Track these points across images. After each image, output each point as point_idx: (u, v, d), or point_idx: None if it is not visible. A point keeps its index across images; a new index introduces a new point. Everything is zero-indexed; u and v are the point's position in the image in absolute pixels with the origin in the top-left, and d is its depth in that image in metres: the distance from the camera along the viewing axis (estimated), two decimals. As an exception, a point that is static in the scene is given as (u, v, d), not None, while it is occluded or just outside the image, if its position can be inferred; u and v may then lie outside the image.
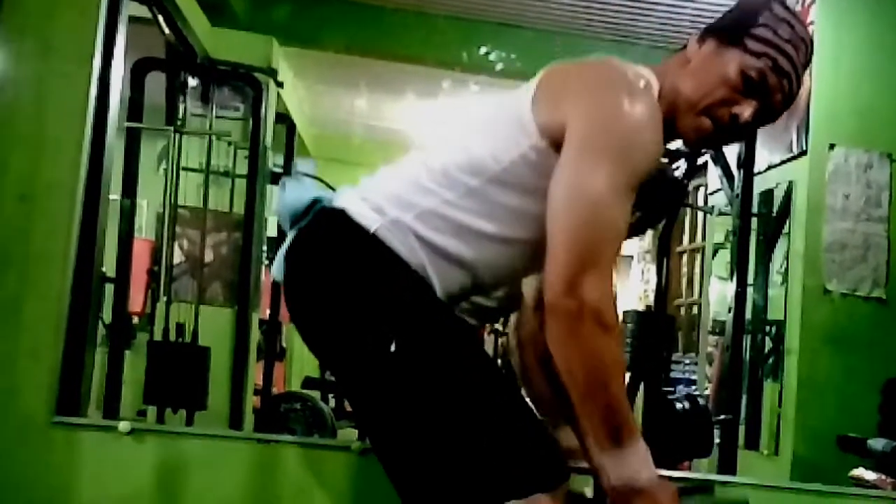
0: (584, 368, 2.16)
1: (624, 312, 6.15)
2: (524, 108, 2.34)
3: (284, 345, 7.58)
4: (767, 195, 5.77)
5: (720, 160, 5.49)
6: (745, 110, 2.38)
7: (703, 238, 7.34)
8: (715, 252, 6.62)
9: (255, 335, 6.75)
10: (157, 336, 5.99)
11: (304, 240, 2.43)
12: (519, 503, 2.15)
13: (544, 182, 2.27)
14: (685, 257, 9.26)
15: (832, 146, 5.40)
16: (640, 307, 8.71)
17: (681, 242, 9.35)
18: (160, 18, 5.48)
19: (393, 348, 2.21)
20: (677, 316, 8.98)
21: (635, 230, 2.54)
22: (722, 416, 5.07)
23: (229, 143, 6.42)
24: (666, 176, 2.57)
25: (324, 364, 2.65)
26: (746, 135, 2.78)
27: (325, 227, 2.41)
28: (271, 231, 7.30)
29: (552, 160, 2.27)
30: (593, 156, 2.21)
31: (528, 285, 2.71)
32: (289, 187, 2.53)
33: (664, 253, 6.01)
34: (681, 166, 5.41)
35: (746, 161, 5.26)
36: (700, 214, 8.13)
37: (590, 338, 2.15)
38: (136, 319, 7.02)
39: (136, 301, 6.63)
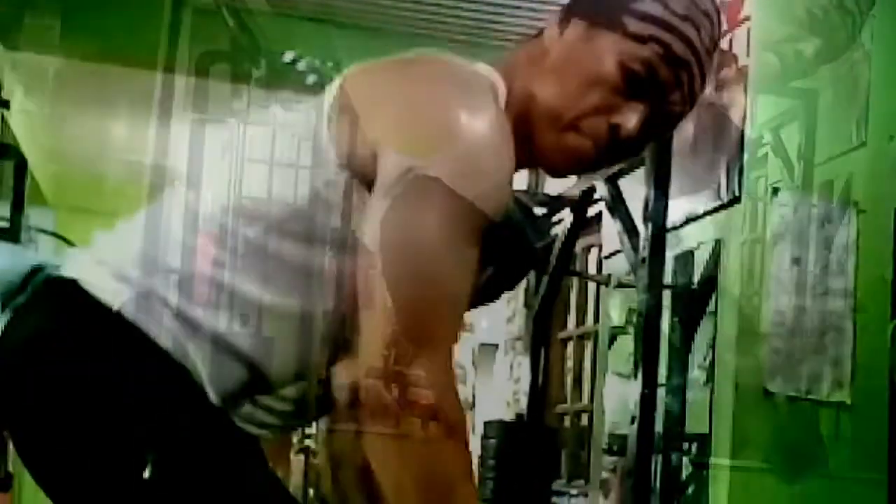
0: (419, 483, 1.84)
1: (485, 423, 6.06)
2: (317, 130, 1.98)
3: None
4: (686, 258, 5.41)
5: (619, 210, 5.16)
6: (630, 119, 1.98)
7: (596, 320, 7.05)
8: (612, 339, 6.37)
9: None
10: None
11: (21, 326, 2.01)
12: None
13: (343, 229, 1.95)
14: (571, 346, 8.39)
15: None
16: (509, 416, 8.23)
17: (565, 326, 8.49)
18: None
19: (147, 474, 1.88)
20: (560, 428, 8.20)
21: (486, 294, 2.14)
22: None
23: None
24: (528, 214, 2.15)
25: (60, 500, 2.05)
26: (634, 152, 2.12)
27: (50, 305, 2.03)
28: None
29: (356, 198, 1.96)
30: (417, 191, 1.84)
31: (340, 376, 2.18)
32: None
33: (541, 340, 5.95)
34: (564, 218, 5.24)
35: (655, 210, 4.75)
36: (591, 286, 7.54)
37: (427, 442, 1.83)
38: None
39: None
